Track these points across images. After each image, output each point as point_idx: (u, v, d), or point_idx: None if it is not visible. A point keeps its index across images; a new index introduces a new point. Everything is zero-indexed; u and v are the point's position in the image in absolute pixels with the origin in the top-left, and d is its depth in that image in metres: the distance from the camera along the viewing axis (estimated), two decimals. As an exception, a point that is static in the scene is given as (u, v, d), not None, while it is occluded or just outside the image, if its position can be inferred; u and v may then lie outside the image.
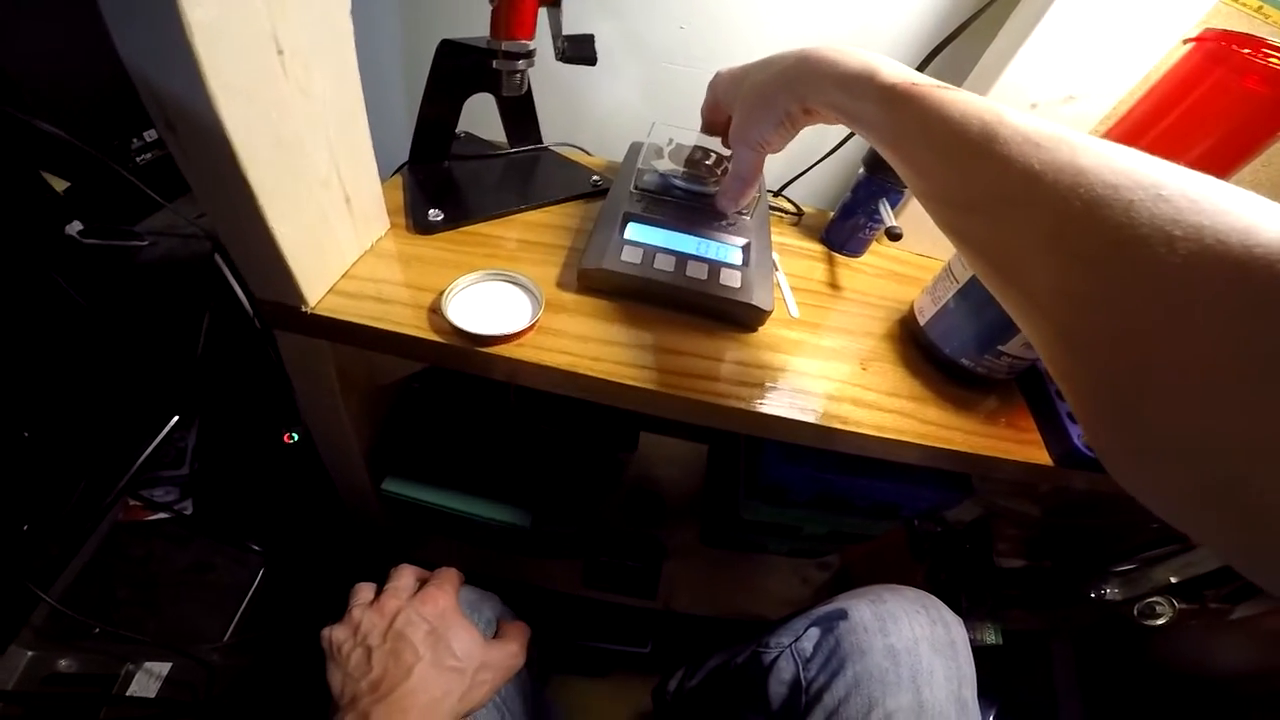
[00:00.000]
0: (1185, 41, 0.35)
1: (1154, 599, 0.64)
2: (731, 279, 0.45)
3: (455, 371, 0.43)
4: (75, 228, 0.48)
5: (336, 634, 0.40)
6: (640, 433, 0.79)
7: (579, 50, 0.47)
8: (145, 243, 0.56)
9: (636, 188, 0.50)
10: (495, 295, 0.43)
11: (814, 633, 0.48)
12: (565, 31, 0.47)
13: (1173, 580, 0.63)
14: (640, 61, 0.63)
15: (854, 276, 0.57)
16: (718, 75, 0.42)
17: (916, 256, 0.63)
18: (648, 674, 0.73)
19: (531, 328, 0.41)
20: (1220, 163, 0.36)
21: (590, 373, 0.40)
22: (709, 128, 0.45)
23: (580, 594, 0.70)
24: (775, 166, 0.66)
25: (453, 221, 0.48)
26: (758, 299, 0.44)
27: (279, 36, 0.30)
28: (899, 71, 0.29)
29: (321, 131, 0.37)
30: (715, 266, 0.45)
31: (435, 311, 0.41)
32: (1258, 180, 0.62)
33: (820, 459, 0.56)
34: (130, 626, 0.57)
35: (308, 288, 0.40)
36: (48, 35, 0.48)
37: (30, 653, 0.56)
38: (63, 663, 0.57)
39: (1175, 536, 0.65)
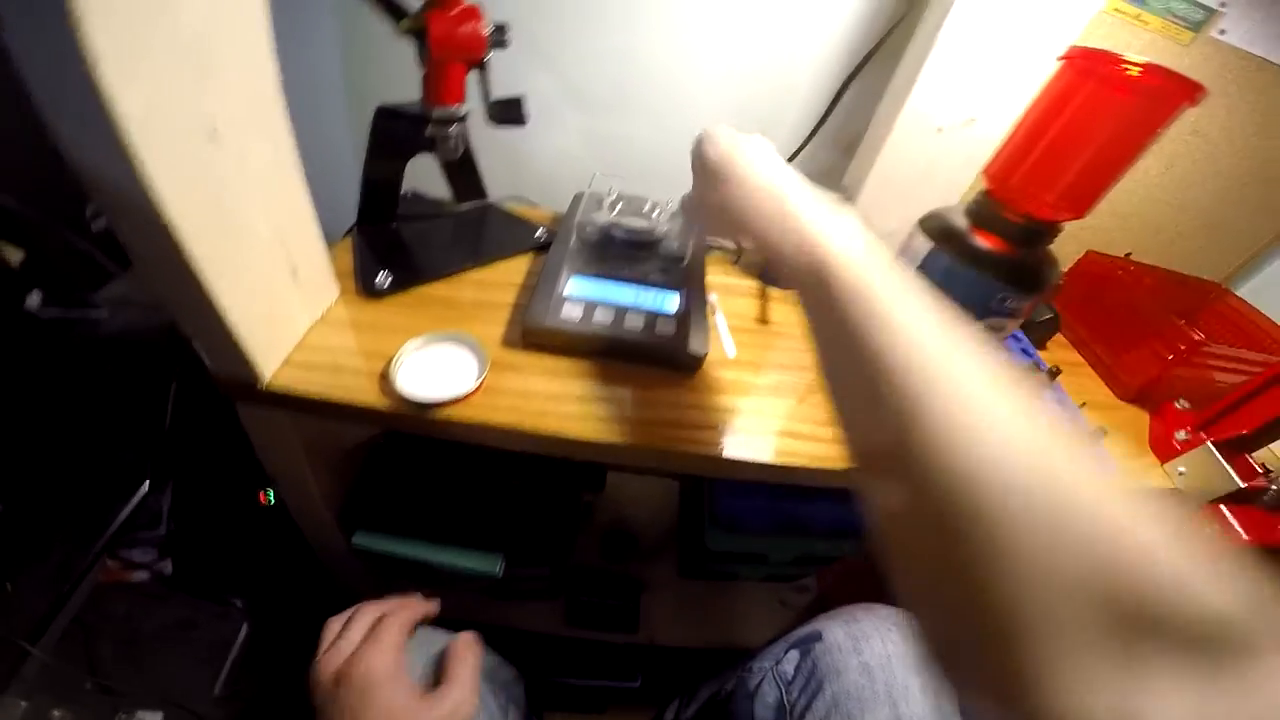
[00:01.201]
0: (1059, 60, 0.38)
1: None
2: (667, 327, 0.48)
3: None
4: (35, 300, 0.50)
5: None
6: (610, 472, 0.82)
7: (507, 114, 0.51)
8: (106, 314, 0.58)
9: (578, 240, 0.53)
10: (443, 358, 0.46)
11: (793, 655, 0.50)
12: (495, 95, 0.50)
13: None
14: (580, 111, 0.67)
15: (790, 311, 0.60)
16: (704, 153, 0.39)
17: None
18: (643, 708, 0.74)
19: (477, 389, 0.44)
20: (1107, 167, 0.39)
21: (535, 429, 0.43)
22: None
23: (564, 634, 0.72)
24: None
25: (401, 284, 0.51)
26: (692, 345, 0.47)
27: (211, 118, 0.33)
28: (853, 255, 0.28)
29: (262, 207, 0.39)
30: (652, 316, 0.48)
31: (385, 378, 0.44)
32: (1163, 182, 0.66)
33: (773, 489, 0.59)
34: (119, 681, 0.59)
35: (261, 362, 0.41)
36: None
37: (24, 702, 0.57)
38: (56, 713, 0.58)
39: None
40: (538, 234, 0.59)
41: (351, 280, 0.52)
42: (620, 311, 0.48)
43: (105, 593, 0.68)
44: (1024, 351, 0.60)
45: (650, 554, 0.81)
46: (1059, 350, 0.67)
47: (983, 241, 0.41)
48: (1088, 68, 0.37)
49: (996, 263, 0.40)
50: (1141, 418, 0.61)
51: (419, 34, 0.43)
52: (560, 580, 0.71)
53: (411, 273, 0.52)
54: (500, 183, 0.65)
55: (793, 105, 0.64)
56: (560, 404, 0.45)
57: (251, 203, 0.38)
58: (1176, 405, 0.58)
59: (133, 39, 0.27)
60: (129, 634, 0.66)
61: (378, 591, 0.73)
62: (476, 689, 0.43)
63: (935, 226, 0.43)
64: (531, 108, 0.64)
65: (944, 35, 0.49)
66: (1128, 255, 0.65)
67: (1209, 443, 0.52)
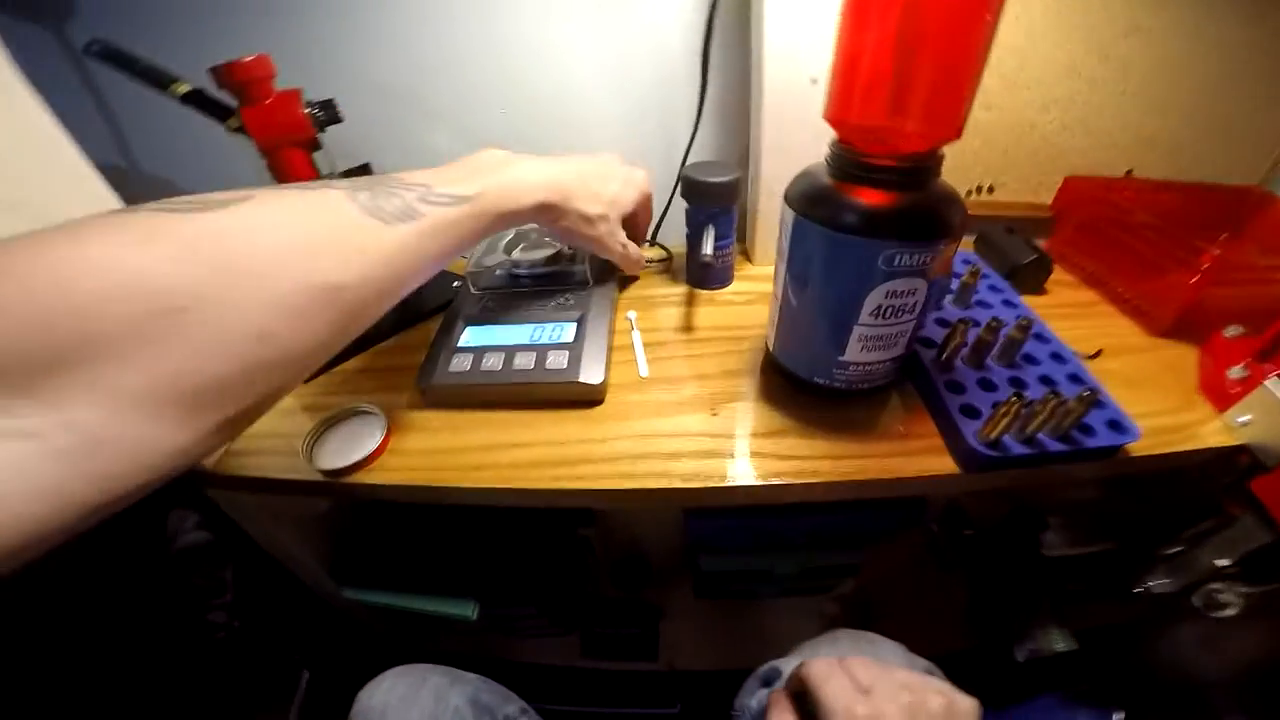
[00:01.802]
0: None
1: (1213, 585, 0.53)
2: (559, 360, 0.46)
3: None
4: None
5: None
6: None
7: None
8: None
9: (476, 287, 0.54)
10: (354, 429, 0.48)
11: (762, 693, 0.47)
12: (342, 168, 0.51)
13: (1222, 562, 0.52)
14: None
15: (719, 312, 0.56)
16: None
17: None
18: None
19: (378, 453, 0.45)
20: (948, 71, 0.30)
21: (433, 483, 0.43)
22: None
23: (581, 665, 0.71)
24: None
25: (323, 368, 0.54)
26: (585, 374, 0.45)
27: None
28: None
29: None
30: (543, 351, 0.47)
31: (303, 455, 0.47)
32: (1128, 90, 0.54)
33: (736, 509, 0.54)
34: None
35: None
36: None
37: None
38: None
39: (1212, 507, 0.54)
40: (455, 284, 0.60)
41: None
42: (510, 352, 0.47)
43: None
44: (1007, 303, 0.51)
45: (665, 579, 0.78)
46: (1065, 290, 0.57)
47: (854, 197, 0.35)
48: None
49: (874, 218, 0.34)
50: (1188, 356, 0.49)
51: (244, 130, 0.45)
52: (564, 616, 0.71)
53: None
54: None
55: (679, 95, 0.60)
56: (458, 456, 0.45)
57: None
58: (1225, 334, 0.46)
59: None
60: (213, 687, 0.76)
61: (398, 637, 0.78)
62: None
63: (799, 191, 0.37)
64: (433, 158, 0.66)
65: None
66: (1128, 173, 0.54)
67: (1275, 376, 0.41)
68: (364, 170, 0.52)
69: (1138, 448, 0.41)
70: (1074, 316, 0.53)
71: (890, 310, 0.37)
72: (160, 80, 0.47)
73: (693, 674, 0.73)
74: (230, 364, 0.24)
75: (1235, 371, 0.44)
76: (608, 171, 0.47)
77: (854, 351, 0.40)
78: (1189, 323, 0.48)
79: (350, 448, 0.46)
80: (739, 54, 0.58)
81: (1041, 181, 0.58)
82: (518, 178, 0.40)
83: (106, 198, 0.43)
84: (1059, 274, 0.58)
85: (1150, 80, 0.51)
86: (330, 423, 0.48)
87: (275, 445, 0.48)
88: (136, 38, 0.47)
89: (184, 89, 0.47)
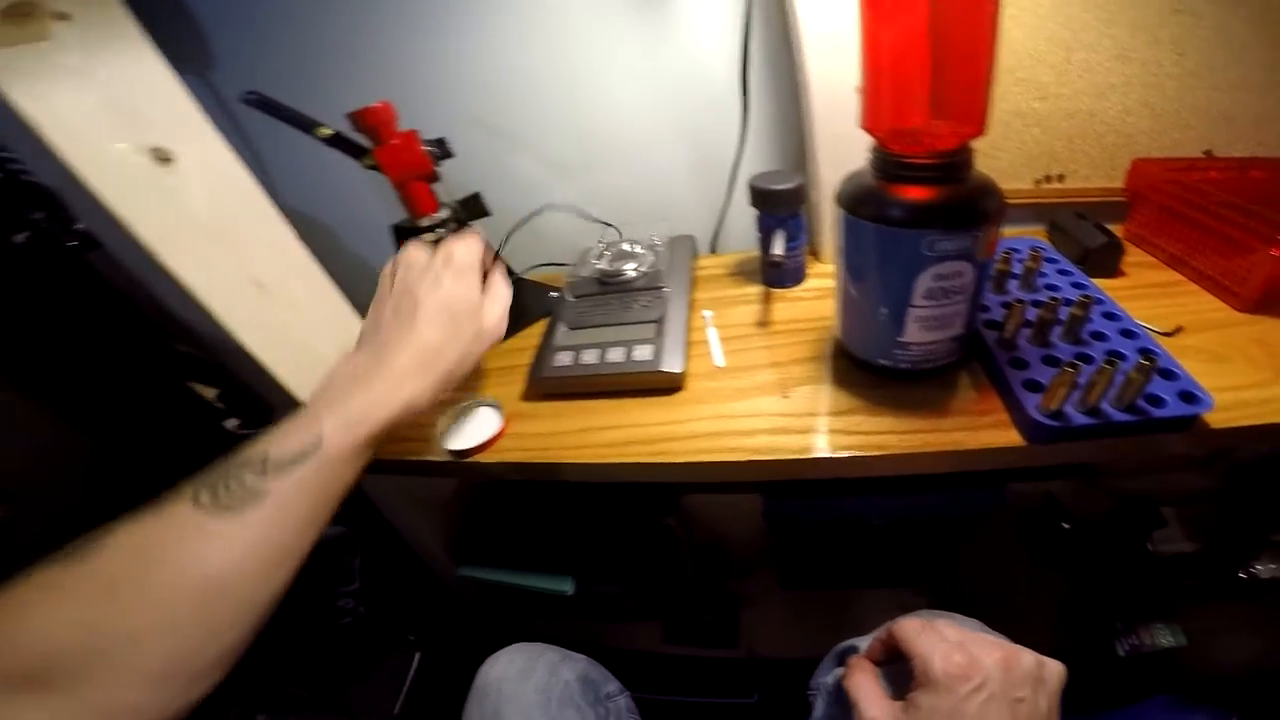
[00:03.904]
0: None
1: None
2: (644, 353, 0.55)
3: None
4: (233, 423, 0.75)
5: (383, 272, 0.48)
6: (691, 496, 0.88)
7: (471, 210, 0.63)
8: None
9: (573, 295, 0.64)
10: (475, 418, 0.58)
11: (839, 670, 0.51)
12: (458, 196, 0.63)
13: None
14: (560, 178, 0.79)
15: (791, 307, 0.62)
16: None
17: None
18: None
19: (497, 437, 0.56)
20: (959, 73, 0.36)
21: (541, 460, 0.53)
22: None
23: (662, 651, 0.78)
24: (701, 222, 0.76)
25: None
26: (666, 364, 0.54)
27: (255, 274, 0.50)
28: None
29: (320, 331, 0.56)
30: (630, 346, 0.56)
31: (434, 440, 0.58)
32: (1186, 69, 0.55)
33: (814, 488, 0.60)
34: (320, 702, 0.80)
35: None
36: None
37: (236, 707, 0.81)
38: (261, 718, 0.81)
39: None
40: (551, 295, 0.70)
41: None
42: (604, 349, 0.56)
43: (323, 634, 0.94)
44: (1076, 285, 0.54)
45: (748, 570, 0.83)
46: (1145, 272, 0.58)
47: (895, 194, 0.41)
48: None
49: (915, 211, 0.39)
50: (1277, 331, 0.49)
51: (377, 168, 0.58)
52: (648, 600, 0.78)
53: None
54: (532, 255, 0.78)
55: (726, 112, 0.68)
56: (561, 438, 0.54)
57: (310, 328, 0.55)
58: (1317, 307, 0.47)
59: (174, 240, 0.45)
60: (334, 665, 0.90)
61: (500, 617, 0.89)
62: (505, 312, 0.50)
63: (848, 193, 0.44)
64: (523, 186, 0.78)
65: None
66: (1207, 153, 0.55)
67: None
68: (475, 199, 0.64)
69: (1217, 419, 0.42)
70: (1153, 296, 0.55)
71: (941, 291, 0.42)
72: (305, 125, 0.58)
73: (772, 663, 0.78)
74: (168, 668, 0.31)
75: (1328, 341, 0.45)
76: (448, 317, 0.45)
77: (913, 332, 0.45)
78: (1275, 296, 0.49)
79: (475, 432, 0.56)
80: (781, 72, 0.65)
81: (1113, 166, 0.60)
82: (362, 406, 0.40)
83: (280, 224, 0.56)
84: (1137, 256, 0.59)
85: (1210, 58, 0.52)
86: (458, 413, 0.59)
87: (415, 434, 0.60)
88: (268, 86, 0.57)
89: (327, 132, 0.58)
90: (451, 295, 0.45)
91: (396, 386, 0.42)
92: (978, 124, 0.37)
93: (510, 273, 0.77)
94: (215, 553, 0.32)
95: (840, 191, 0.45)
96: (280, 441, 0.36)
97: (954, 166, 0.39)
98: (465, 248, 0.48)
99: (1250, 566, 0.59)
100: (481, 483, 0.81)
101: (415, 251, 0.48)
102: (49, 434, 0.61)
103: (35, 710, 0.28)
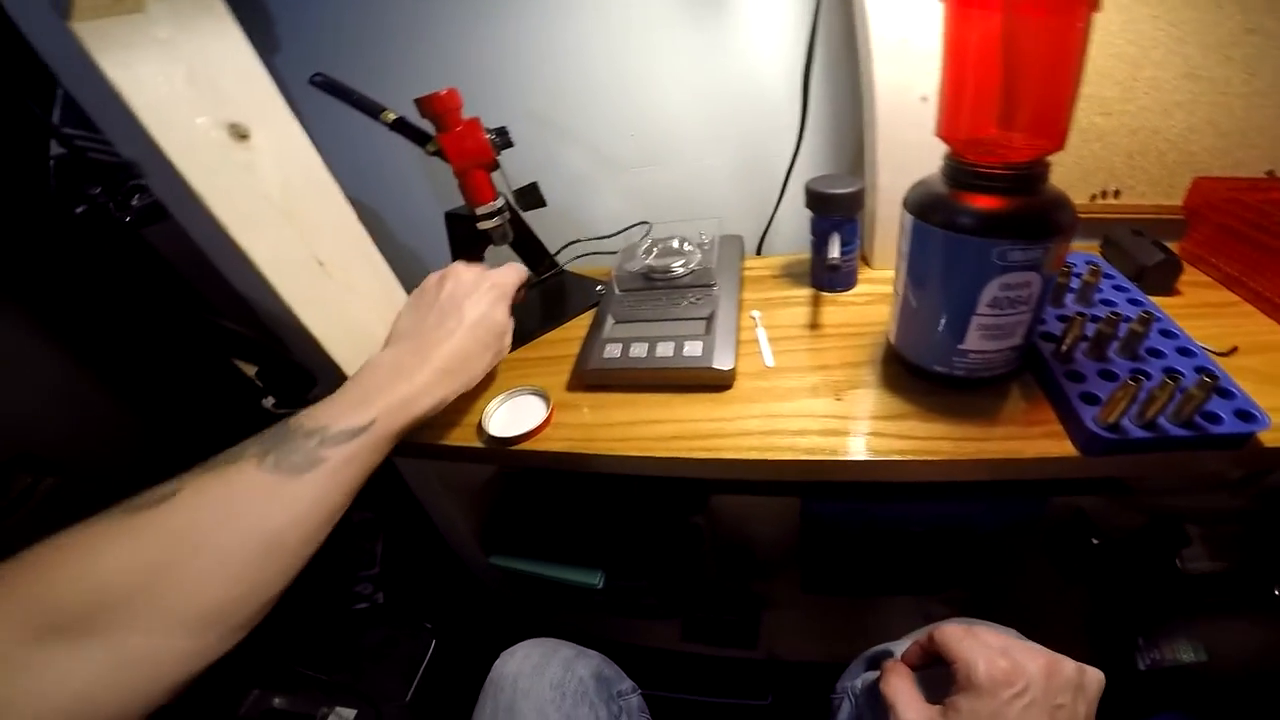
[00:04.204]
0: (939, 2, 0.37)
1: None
2: (694, 350, 0.55)
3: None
4: (269, 402, 0.76)
5: (429, 278, 0.54)
6: (722, 495, 0.88)
7: (528, 199, 0.64)
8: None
9: (620, 289, 0.64)
10: (520, 406, 0.59)
11: (869, 675, 0.51)
12: (514, 186, 0.63)
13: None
14: (612, 173, 0.79)
15: (841, 311, 0.63)
16: None
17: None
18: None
19: (543, 426, 0.56)
20: (1044, 90, 0.36)
21: (586, 451, 0.53)
22: None
23: (680, 649, 0.79)
24: (747, 222, 0.76)
25: (494, 354, 0.67)
26: (718, 362, 0.54)
27: (316, 253, 0.51)
28: None
29: (375, 313, 0.57)
30: (680, 341, 0.56)
31: (479, 426, 0.59)
32: (1255, 89, 0.55)
33: (855, 492, 0.60)
34: (335, 685, 0.81)
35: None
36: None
37: (256, 691, 0.82)
38: (277, 701, 0.82)
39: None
40: (598, 289, 0.71)
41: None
42: (653, 343, 0.57)
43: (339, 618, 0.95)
44: (1132, 301, 0.54)
45: (772, 572, 0.84)
46: (1200, 291, 0.58)
47: (967, 203, 0.41)
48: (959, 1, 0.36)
49: (987, 220, 0.40)
50: (1339, 356, 0.49)
51: (441, 154, 0.58)
52: (671, 597, 0.78)
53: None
54: (576, 247, 0.79)
55: (780, 115, 0.69)
56: (607, 430, 0.55)
57: (366, 310, 0.56)
58: (1379, 331, 0.47)
59: (245, 215, 0.45)
60: (350, 649, 0.91)
61: (523, 608, 0.89)
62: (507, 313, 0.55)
63: (917, 199, 0.44)
64: (571, 179, 0.79)
65: (870, 6, 0.52)
66: (1269, 173, 0.55)
67: None
68: (533, 189, 0.65)
69: (1270, 439, 0.42)
70: (1208, 316, 0.55)
71: (1007, 301, 0.43)
72: (371, 109, 0.59)
73: (788, 666, 0.78)
74: (223, 596, 0.34)
75: (1391, 368, 0.45)
76: (475, 329, 0.52)
77: (973, 340, 0.46)
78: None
79: (521, 420, 0.57)
80: (839, 77, 0.65)
81: (1173, 184, 0.60)
82: (407, 395, 0.45)
83: (344, 206, 0.56)
84: (1193, 275, 0.59)
85: (1277, 76, 0.52)
86: (502, 400, 0.60)
87: (456, 419, 0.60)
88: (330, 69, 0.59)
89: (392, 117, 0.59)
90: (490, 317, 0.52)
91: (436, 383, 0.47)
92: (1057, 139, 0.38)
93: (554, 265, 0.78)
94: (280, 511, 0.35)
95: (909, 197, 0.45)
96: (340, 417, 0.41)
97: (1029, 178, 0.40)
98: (509, 277, 0.55)
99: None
100: (513, 471, 0.82)
101: (466, 269, 0.54)
102: (97, 407, 0.62)
103: (67, 659, 0.29)
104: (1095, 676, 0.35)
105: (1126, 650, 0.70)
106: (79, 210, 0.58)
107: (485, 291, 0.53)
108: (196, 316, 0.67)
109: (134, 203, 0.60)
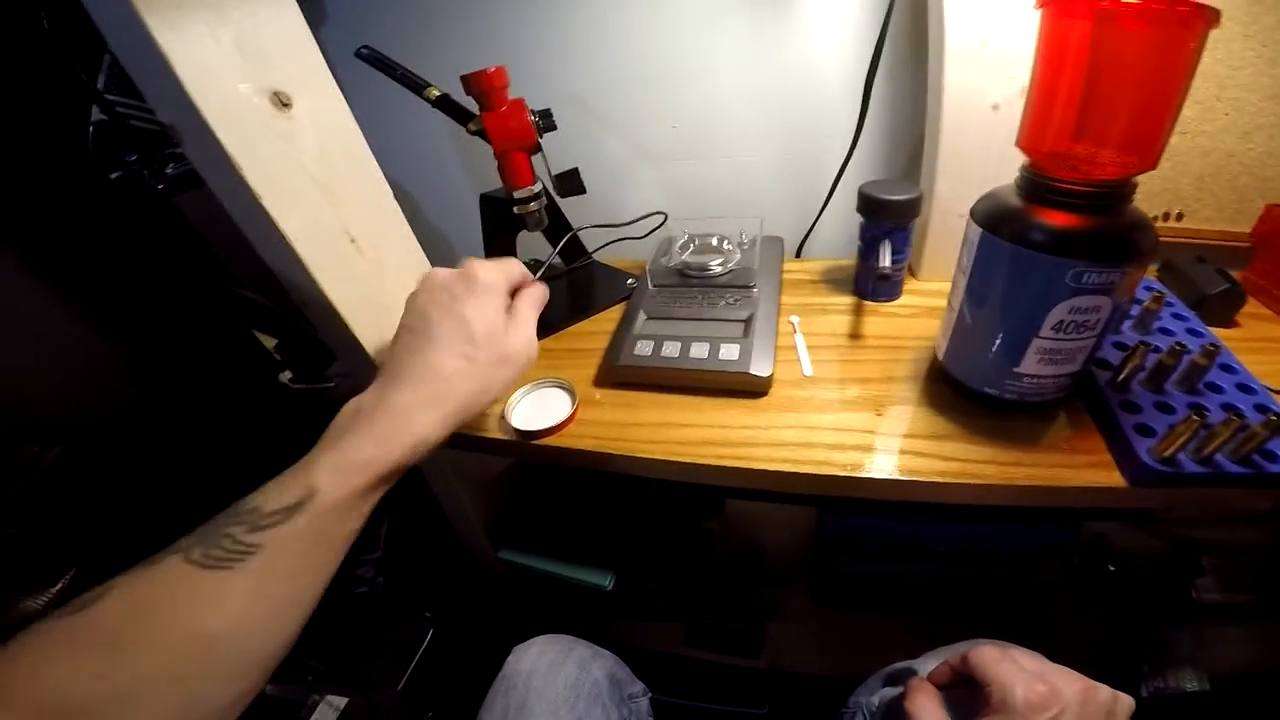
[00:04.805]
0: (1035, 8, 0.36)
1: None
2: (730, 353, 0.54)
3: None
4: (286, 376, 0.75)
5: (408, 297, 0.43)
6: (738, 500, 0.87)
7: (568, 185, 0.62)
8: (334, 385, 0.84)
9: (653, 284, 0.63)
10: (545, 398, 0.58)
11: (887, 691, 0.51)
12: (555, 171, 0.61)
13: None
14: (650, 165, 0.78)
15: (884, 322, 0.61)
16: None
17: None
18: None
19: (568, 421, 0.55)
20: (1145, 108, 0.34)
21: (612, 451, 0.52)
22: None
23: (683, 654, 0.78)
24: (788, 223, 0.74)
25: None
26: (755, 367, 0.52)
27: (349, 229, 0.49)
28: None
29: (403, 292, 0.55)
30: (716, 343, 0.55)
31: (502, 417, 0.57)
32: None
33: (879, 508, 0.59)
34: (328, 671, 0.80)
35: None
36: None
37: None
38: (268, 689, 0.81)
39: None
40: (629, 282, 0.69)
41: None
42: (687, 343, 0.55)
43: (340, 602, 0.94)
44: (1192, 331, 0.52)
45: (781, 582, 0.83)
46: (1261, 325, 0.56)
47: (1043, 218, 0.40)
48: (1063, 10, 0.34)
49: (1063, 238, 0.38)
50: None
51: (482, 134, 0.57)
52: (680, 601, 0.78)
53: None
54: (605, 236, 0.78)
55: (834, 115, 0.67)
56: (635, 430, 0.53)
57: (394, 288, 0.54)
58: None
59: (280, 185, 0.44)
60: (345, 634, 0.90)
61: (527, 605, 0.88)
62: (533, 335, 0.46)
63: (986, 210, 0.42)
64: (608, 168, 0.77)
65: (949, 6, 0.50)
66: None
67: None
68: (573, 175, 0.62)
69: None
70: (1268, 351, 0.53)
71: (1073, 325, 0.41)
72: (416, 85, 0.58)
73: (789, 677, 0.78)
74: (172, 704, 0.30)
75: None
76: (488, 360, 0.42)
77: (1030, 364, 0.44)
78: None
79: (546, 414, 0.56)
80: (903, 80, 0.63)
81: (1240, 210, 0.58)
82: (365, 448, 0.37)
83: (381, 183, 0.54)
84: (1254, 307, 0.58)
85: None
86: (527, 392, 0.59)
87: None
88: (374, 42, 0.58)
89: (436, 93, 0.58)
90: (468, 318, 0.41)
91: (405, 424, 0.38)
92: (1151, 159, 0.36)
93: (583, 253, 0.76)
94: (210, 608, 0.32)
95: (977, 208, 0.43)
96: (273, 494, 0.35)
97: (1114, 197, 0.38)
98: (488, 267, 0.44)
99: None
100: (528, 465, 0.81)
101: (438, 272, 0.44)
102: (110, 376, 0.61)
103: None
104: (1127, 703, 0.35)
105: (1132, 676, 0.70)
106: (114, 176, 0.57)
107: (460, 291, 0.42)
108: (220, 286, 0.65)
109: (169, 170, 0.59)
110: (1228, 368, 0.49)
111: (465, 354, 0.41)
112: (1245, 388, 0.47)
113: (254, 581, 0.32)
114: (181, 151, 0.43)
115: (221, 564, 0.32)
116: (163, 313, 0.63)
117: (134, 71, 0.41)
